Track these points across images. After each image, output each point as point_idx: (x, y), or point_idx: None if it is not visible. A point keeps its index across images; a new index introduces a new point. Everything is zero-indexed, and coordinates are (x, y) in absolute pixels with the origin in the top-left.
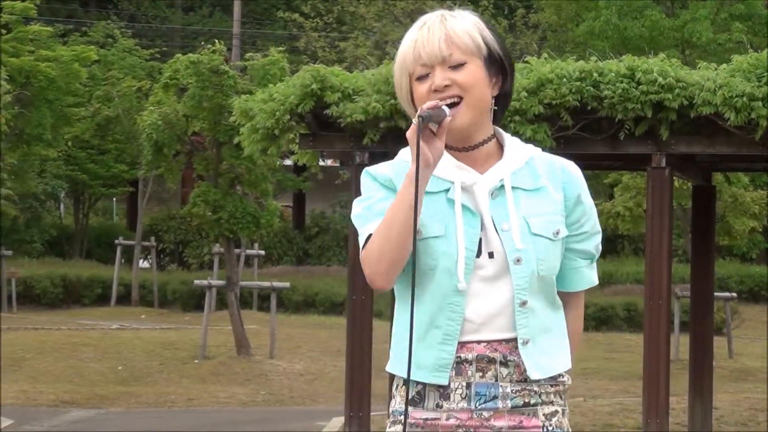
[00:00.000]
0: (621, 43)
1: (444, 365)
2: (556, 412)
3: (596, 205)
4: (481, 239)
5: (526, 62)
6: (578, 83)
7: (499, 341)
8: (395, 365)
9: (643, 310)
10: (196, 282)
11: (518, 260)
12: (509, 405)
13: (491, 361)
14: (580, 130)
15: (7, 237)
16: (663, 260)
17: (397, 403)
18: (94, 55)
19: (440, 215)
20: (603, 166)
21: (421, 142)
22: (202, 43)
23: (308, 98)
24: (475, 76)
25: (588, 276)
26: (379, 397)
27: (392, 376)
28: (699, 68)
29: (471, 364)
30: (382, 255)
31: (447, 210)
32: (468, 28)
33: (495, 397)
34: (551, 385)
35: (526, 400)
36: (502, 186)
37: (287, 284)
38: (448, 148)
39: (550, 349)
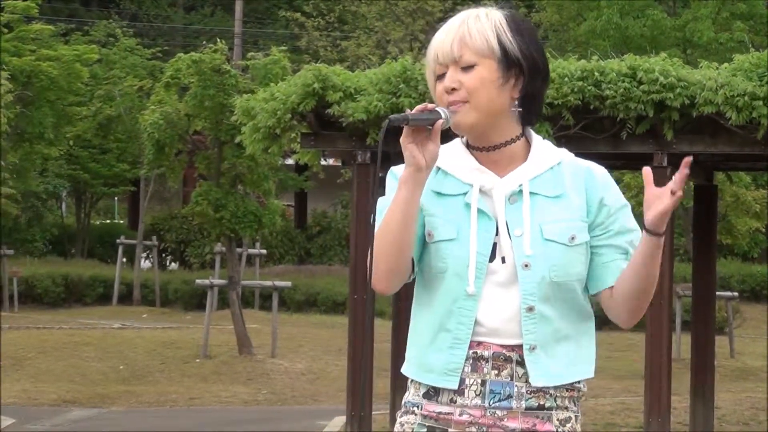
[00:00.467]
0: (622, 42)
1: (454, 369)
2: (570, 418)
3: None
4: (495, 244)
5: None
6: (580, 83)
7: (510, 347)
8: (410, 368)
9: None
10: (198, 281)
11: (526, 265)
12: (523, 406)
13: (507, 359)
14: (581, 130)
15: (8, 236)
16: (664, 259)
17: (411, 395)
18: (95, 54)
19: (454, 218)
20: (604, 165)
21: (411, 145)
22: (204, 42)
23: (310, 97)
24: (482, 78)
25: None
26: (381, 397)
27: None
28: (700, 67)
29: (487, 362)
30: (379, 259)
31: (462, 213)
32: (484, 29)
33: (509, 396)
34: (567, 390)
35: (541, 403)
36: (521, 191)
37: (289, 283)
38: (470, 148)
39: (564, 358)
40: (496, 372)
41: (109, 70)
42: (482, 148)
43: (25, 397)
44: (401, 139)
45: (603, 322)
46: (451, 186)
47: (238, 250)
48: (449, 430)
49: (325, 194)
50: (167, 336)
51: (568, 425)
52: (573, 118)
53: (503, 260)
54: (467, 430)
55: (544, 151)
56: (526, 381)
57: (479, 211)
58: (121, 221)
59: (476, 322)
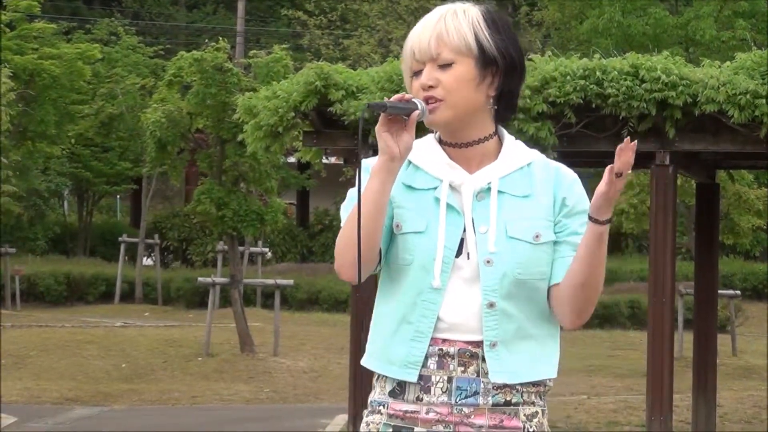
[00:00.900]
0: (625, 40)
1: (414, 362)
2: (537, 413)
3: None
4: (463, 240)
5: (530, 60)
6: (582, 81)
7: (473, 343)
8: (371, 360)
9: (647, 308)
10: (200, 279)
11: (488, 261)
12: (490, 402)
13: (473, 356)
14: (583, 128)
15: (11, 234)
16: (667, 258)
17: (377, 394)
18: (97, 52)
19: (424, 212)
20: (607, 163)
21: (386, 134)
22: (206, 40)
23: (312, 96)
24: (459, 76)
25: None
26: None
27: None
28: (703, 66)
29: (453, 359)
30: (348, 248)
31: (432, 207)
32: (462, 27)
33: (476, 393)
34: (533, 385)
35: (508, 399)
36: (489, 189)
37: (291, 282)
38: (443, 144)
39: (526, 356)
40: (462, 369)
41: (112, 68)
42: (455, 145)
43: (28, 395)
44: (377, 128)
45: (605, 320)
46: (421, 180)
47: (240, 248)
48: (416, 429)
49: (327, 192)
50: (169, 334)
51: (535, 420)
52: (575, 116)
53: (468, 256)
54: (434, 428)
55: (515, 150)
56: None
57: (448, 206)
58: (123, 219)
59: (439, 317)
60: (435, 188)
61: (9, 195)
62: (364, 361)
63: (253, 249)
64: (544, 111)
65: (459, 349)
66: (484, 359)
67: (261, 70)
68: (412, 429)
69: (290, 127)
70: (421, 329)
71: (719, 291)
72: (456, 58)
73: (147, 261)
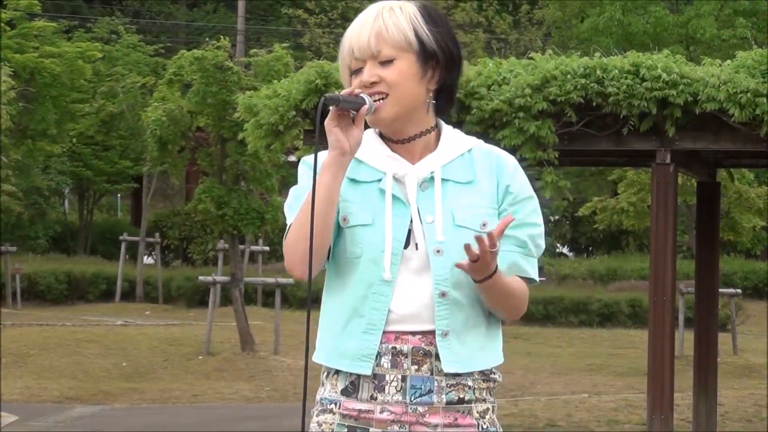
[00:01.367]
0: (625, 39)
1: (367, 355)
2: (488, 409)
3: (600, 201)
4: (410, 231)
5: (531, 59)
6: (582, 80)
7: (424, 333)
8: (321, 355)
9: (648, 307)
10: (201, 278)
11: (438, 251)
12: (444, 400)
13: (427, 354)
14: (584, 127)
15: (11, 233)
16: (667, 256)
17: (327, 392)
18: (98, 51)
19: (370, 204)
20: (607, 162)
21: (336, 129)
22: (207, 39)
23: (312, 94)
24: (402, 73)
25: (517, 264)
26: None
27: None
28: (703, 64)
29: (407, 357)
30: (298, 245)
31: (378, 200)
32: (401, 23)
33: (430, 391)
34: (483, 381)
35: (461, 396)
36: (433, 177)
37: (291, 280)
38: (384, 139)
39: (474, 344)
40: (416, 367)
41: (112, 67)
42: (396, 141)
43: (28, 394)
44: (326, 122)
45: (605, 319)
46: (365, 173)
47: (241, 247)
48: (371, 429)
49: None
50: (170, 333)
51: (487, 416)
52: (576, 115)
53: (417, 247)
54: (389, 428)
55: (454, 138)
56: (446, 375)
57: (394, 197)
58: (124, 218)
59: (390, 309)
60: (379, 180)
61: (9, 194)
62: (315, 357)
63: (253, 247)
64: (544, 109)
65: (413, 347)
66: (437, 357)
67: (261, 68)
68: (367, 429)
69: (291, 126)
70: (373, 322)
71: (720, 290)
72: (397, 54)
73: (148, 260)
